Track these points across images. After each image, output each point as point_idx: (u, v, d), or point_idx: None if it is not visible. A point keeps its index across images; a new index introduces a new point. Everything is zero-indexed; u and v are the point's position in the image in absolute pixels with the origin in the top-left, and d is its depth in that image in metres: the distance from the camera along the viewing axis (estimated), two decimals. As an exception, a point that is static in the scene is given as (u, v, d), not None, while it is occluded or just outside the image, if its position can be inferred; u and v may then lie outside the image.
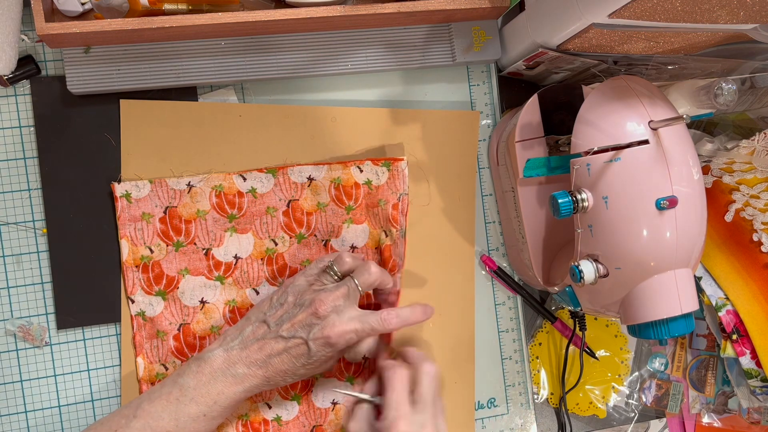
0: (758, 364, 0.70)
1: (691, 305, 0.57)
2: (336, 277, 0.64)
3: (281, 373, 0.61)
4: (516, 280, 0.76)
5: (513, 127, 0.67)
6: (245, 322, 0.64)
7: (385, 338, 0.68)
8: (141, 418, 0.59)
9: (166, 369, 0.68)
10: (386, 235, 0.69)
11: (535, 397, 0.77)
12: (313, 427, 0.71)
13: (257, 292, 0.70)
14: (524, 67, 0.71)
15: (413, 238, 0.73)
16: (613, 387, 0.79)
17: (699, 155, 0.70)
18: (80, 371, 0.68)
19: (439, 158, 0.74)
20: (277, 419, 0.70)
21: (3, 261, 0.67)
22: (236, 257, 0.69)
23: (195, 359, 0.62)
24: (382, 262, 0.69)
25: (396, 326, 0.63)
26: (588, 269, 0.57)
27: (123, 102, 0.67)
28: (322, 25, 0.67)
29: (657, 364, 0.80)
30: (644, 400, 0.80)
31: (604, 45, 0.62)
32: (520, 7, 0.68)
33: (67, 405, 0.68)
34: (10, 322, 0.67)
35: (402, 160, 0.68)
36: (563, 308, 0.77)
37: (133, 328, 0.68)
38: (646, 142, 0.55)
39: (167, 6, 0.63)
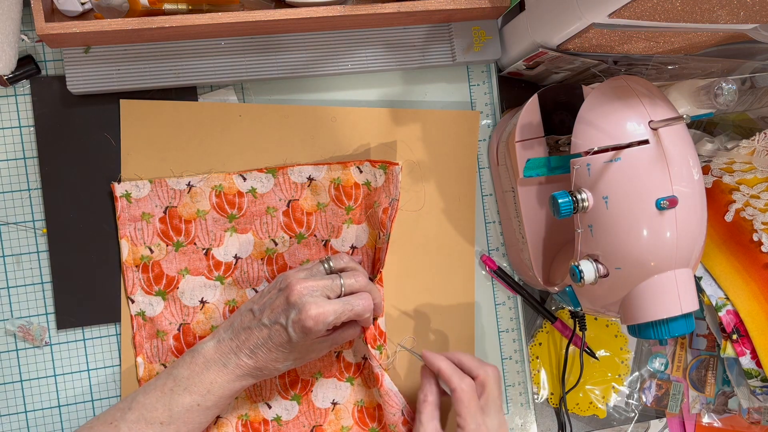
0: (758, 364, 0.70)
1: (691, 305, 0.57)
2: (328, 271, 0.64)
3: (271, 362, 0.61)
4: (516, 280, 0.76)
5: (513, 127, 0.67)
6: (236, 313, 0.64)
7: (362, 330, 0.68)
8: (135, 410, 0.60)
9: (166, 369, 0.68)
10: (379, 237, 0.69)
11: (535, 397, 0.77)
12: (313, 427, 0.71)
13: (257, 292, 0.70)
14: (524, 67, 0.71)
15: (413, 238, 0.73)
16: (613, 387, 0.78)
17: (699, 155, 0.70)
18: (80, 371, 0.68)
19: (439, 158, 0.74)
20: (277, 419, 0.70)
21: (3, 261, 0.67)
22: (236, 257, 0.69)
23: (189, 352, 0.63)
24: (373, 261, 0.69)
25: (369, 306, 0.62)
26: (588, 269, 0.57)
27: (123, 102, 0.67)
28: (322, 25, 0.67)
29: (657, 364, 0.80)
30: (644, 400, 0.80)
31: (604, 45, 0.62)
32: (520, 7, 0.68)
33: (67, 405, 0.68)
34: (10, 322, 0.67)
35: (397, 164, 0.68)
36: (563, 308, 0.77)
37: (133, 328, 0.68)
38: (646, 142, 0.55)
39: (167, 6, 0.64)
